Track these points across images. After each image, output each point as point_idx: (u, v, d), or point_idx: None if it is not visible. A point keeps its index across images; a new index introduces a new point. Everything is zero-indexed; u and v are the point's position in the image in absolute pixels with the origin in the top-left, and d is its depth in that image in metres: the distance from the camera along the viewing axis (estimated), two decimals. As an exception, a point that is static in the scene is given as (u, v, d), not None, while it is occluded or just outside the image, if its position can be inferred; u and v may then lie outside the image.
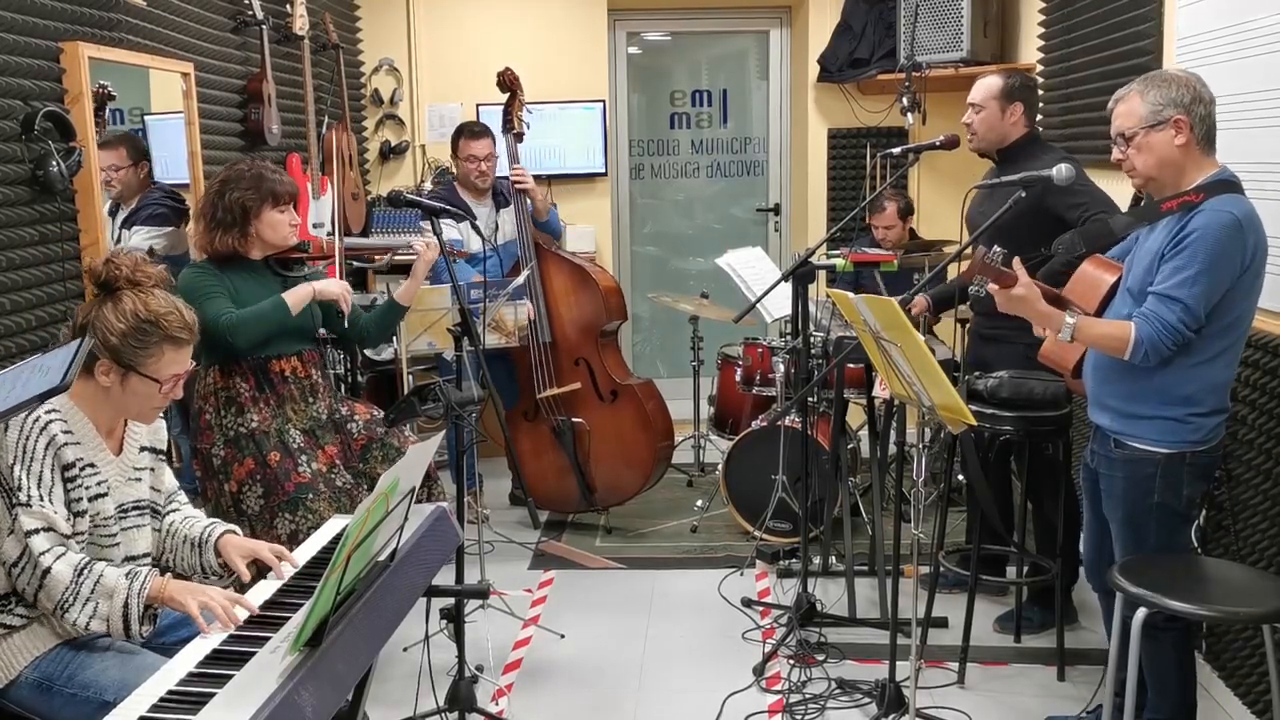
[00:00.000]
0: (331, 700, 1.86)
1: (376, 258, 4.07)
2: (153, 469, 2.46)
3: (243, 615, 2.13)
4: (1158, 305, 2.55)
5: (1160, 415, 2.64)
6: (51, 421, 2.19)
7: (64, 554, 2.16)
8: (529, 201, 4.71)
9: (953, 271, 3.50)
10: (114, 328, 2.23)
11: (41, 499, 2.15)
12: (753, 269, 4.60)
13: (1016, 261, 2.68)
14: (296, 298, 3.17)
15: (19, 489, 2.14)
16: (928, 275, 3.49)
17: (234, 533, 2.50)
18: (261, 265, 3.27)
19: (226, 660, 1.94)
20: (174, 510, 2.54)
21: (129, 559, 2.35)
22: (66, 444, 2.20)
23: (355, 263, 4.36)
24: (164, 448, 2.52)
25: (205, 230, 3.20)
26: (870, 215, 5.00)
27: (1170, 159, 2.60)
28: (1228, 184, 2.57)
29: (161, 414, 2.49)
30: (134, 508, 2.38)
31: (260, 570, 2.42)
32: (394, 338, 4.03)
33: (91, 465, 2.25)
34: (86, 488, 2.23)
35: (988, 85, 3.64)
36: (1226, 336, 2.60)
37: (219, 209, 3.16)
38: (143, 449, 2.43)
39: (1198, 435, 2.63)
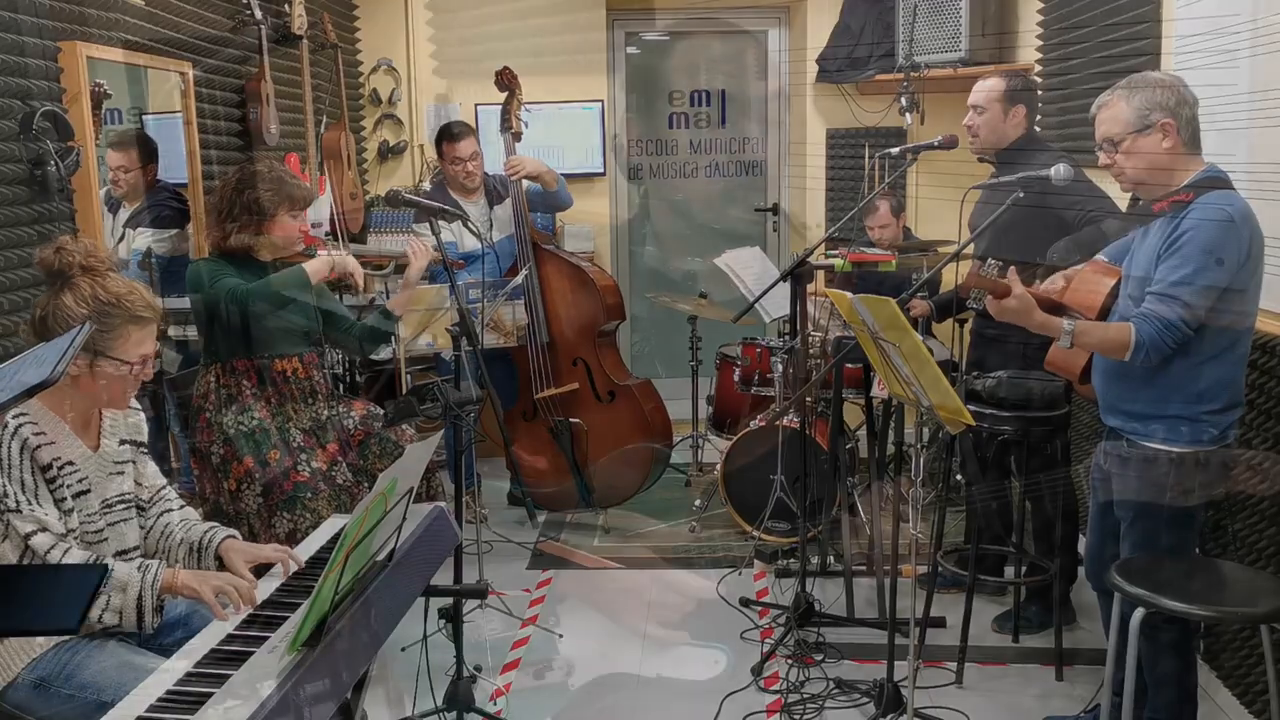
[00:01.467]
0: (330, 700, 1.86)
1: (382, 262, 4.09)
2: (134, 462, 2.45)
3: (259, 597, 2.15)
4: (1156, 304, 2.55)
5: (1173, 414, 2.63)
6: (21, 426, 2.16)
7: (70, 549, 2.15)
8: (537, 184, 4.70)
9: (950, 271, 3.49)
10: (75, 314, 2.20)
11: (29, 502, 2.14)
12: (751, 269, 4.59)
13: (1012, 272, 2.68)
14: (314, 267, 3.22)
15: (5, 496, 2.12)
16: (925, 276, 3.49)
17: (234, 538, 2.49)
18: (270, 268, 3.29)
19: (225, 660, 1.94)
20: (167, 511, 2.52)
21: (120, 554, 2.34)
22: (40, 445, 2.18)
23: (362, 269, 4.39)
24: (144, 439, 2.50)
25: (217, 225, 3.21)
26: (863, 218, 4.99)
27: (1159, 162, 2.60)
28: (1217, 180, 2.57)
29: (151, 411, 2.48)
30: (119, 501, 2.37)
31: (259, 573, 2.41)
32: (393, 338, 4.03)
33: (70, 463, 2.24)
34: (69, 486, 2.22)
35: (990, 87, 3.63)
36: (1232, 331, 2.59)
37: (236, 206, 3.18)
38: (122, 442, 2.41)
39: (1212, 434, 2.62)
